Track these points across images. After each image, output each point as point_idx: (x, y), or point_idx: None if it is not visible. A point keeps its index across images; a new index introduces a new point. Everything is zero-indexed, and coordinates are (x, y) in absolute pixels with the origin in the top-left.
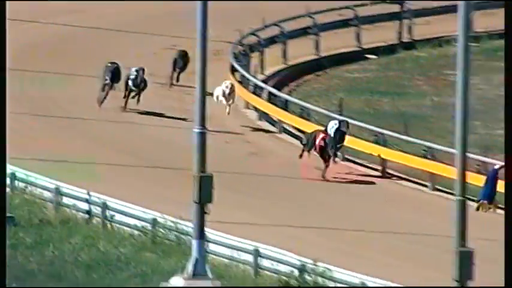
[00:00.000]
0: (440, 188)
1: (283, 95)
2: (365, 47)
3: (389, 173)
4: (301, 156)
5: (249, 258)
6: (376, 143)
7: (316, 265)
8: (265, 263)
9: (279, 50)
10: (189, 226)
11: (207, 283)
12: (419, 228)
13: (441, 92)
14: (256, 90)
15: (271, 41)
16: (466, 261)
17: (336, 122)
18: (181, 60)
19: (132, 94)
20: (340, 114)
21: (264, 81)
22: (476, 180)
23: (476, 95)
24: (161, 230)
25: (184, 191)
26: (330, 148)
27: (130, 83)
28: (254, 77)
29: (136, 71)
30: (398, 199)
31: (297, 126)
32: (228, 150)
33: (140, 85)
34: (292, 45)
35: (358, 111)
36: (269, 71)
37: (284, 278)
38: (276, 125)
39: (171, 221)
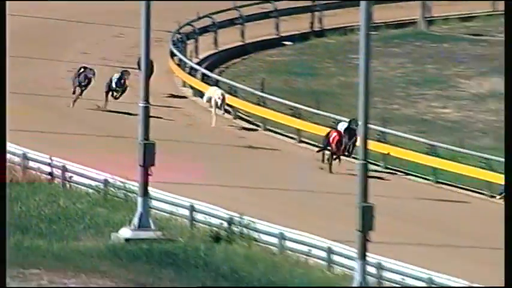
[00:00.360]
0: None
1: (214, 75)
2: (283, 35)
3: (304, 141)
4: (322, 154)
5: (186, 212)
6: (293, 115)
7: (242, 218)
8: (199, 216)
9: (210, 37)
10: (135, 185)
11: (150, 234)
12: (331, 187)
13: (347, 73)
14: (192, 71)
15: (204, 30)
16: (367, 214)
17: (346, 122)
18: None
19: (116, 94)
20: (262, 91)
21: (198, 64)
22: (377, 147)
23: (376, 76)
24: (112, 188)
25: (132, 156)
26: (345, 143)
27: (113, 84)
28: (190, 60)
29: (121, 73)
30: (313, 163)
31: (226, 102)
32: (168, 122)
33: (123, 86)
34: (221, 33)
35: (277, 89)
36: (202, 55)
37: (215, 229)
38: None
39: (120, 181)
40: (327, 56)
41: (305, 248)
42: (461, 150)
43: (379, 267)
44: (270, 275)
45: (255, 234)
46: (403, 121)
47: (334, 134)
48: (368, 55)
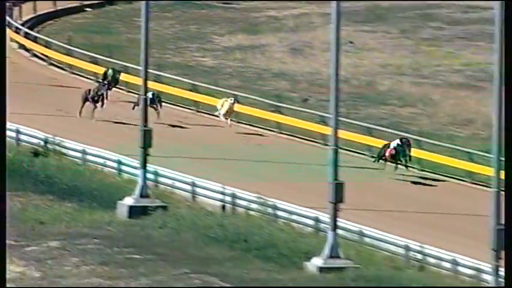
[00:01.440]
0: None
1: (33, 32)
2: (85, 3)
3: (98, 81)
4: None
5: (13, 134)
6: (91, 62)
7: (55, 138)
8: (23, 137)
9: (31, 5)
10: None
11: None
12: (128, 120)
13: (131, 31)
14: (17, 30)
15: None
16: (147, 135)
17: (399, 140)
18: (114, 78)
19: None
20: (70, 45)
21: (22, 25)
22: (154, 85)
23: (153, 33)
24: None
25: None
26: (401, 156)
27: (148, 101)
28: (16, 22)
29: (153, 94)
30: (116, 103)
31: (42, 52)
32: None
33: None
34: (39, 2)
35: (79, 43)
36: (25, 18)
37: (35, 146)
38: (30, 52)
39: None
40: (117, 19)
41: (101, 161)
42: (216, 88)
43: (156, 174)
44: (75, 180)
45: (64, 150)
46: (173, 67)
47: (390, 149)
48: (147, 18)
